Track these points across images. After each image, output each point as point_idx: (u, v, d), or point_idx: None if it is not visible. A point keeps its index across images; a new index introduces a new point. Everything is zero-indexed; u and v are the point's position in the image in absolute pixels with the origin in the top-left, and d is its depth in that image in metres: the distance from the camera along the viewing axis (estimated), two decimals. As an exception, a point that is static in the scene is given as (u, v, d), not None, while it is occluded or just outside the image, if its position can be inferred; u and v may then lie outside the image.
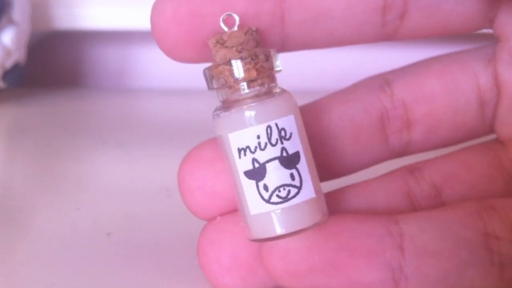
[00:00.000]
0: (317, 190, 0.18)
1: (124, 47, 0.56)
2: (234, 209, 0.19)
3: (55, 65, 0.55)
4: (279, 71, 0.18)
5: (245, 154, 0.17)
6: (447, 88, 0.21)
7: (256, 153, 0.17)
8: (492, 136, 0.22)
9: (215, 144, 0.19)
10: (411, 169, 0.21)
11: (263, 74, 0.17)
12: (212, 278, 0.19)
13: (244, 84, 0.17)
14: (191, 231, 0.21)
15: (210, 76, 0.18)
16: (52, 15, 0.49)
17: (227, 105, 0.18)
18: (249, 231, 0.18)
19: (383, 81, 0.21)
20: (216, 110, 0.18)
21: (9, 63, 0.43)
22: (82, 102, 0.50)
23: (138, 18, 0.49)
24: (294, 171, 0.17)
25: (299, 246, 0.18)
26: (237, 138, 0.17)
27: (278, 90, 0.18)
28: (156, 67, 0.55)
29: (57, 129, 0.41)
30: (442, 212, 0.19)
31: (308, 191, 0.17)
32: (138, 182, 0.31)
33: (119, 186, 0.31)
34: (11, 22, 0.43)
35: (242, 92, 0.18)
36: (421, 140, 0.21)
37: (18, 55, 0.44)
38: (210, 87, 0.18)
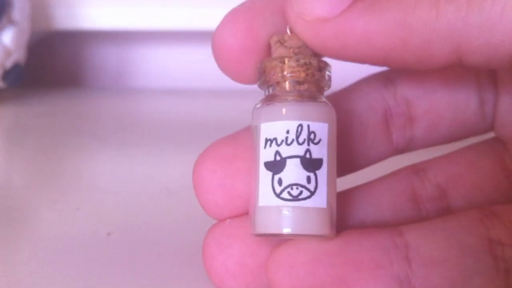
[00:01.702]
0: (329, 204, 0.18)
1: (124, 47, 0.56)
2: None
3: (55, 65, 0.55)
4: (328, 87, 0.19)
5: (270, 145, 0.18)
6: (448, 84, 0.21)
7: (281, 146, 0.17)
8: (493, 134, 0.22)
9: (235, 142, 0.19)
10: (416, 170, 0.21)
11: (311, 79, 0.18)
12: (216, 280, 0.19)
13: (291, 83, 0.18)
14: (191, 230, 0.21)
15: (262, 69, 0.18)
16: (52, 15, 0.49)
17: (269, 99, 0.18)
18: (253, 225, 0.18)
19: (385, 78, 0.21)
20: (257, 103, 0.19)
21: (9, 63, 0.43)
22: (82, 102, 0.50)
23: (138, 18, 0.49)
24: (312, 175, 0.17)
25: (305, 260, 0.18)
26: (267, 128, 0.18)
27: (322, 101, 0.18)
28: (156, 67, 0.55)
29: (57, 129, 0.41)
30: (445, 220, 0.19)
31: (320, 199, 0.17)
32: (138, 182, 0.31)
33: (119, 186, 0.31)
34: (11, 22, 0.43)
35: (287, 90, 0.18)
36: (424, 136, 0.21)
37: (18, 55, 0.44)
38: (259, 80, 0.18)
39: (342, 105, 0.20)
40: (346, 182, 0.21)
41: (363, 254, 0.18)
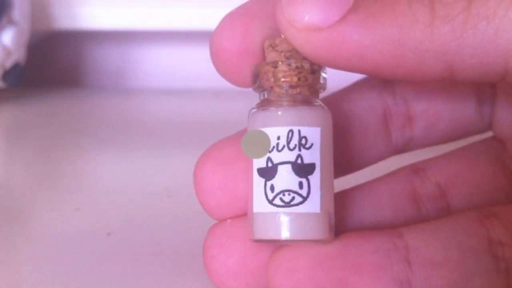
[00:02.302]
0: (324, 209, 0.17)
1: (124, 47, 0.56)
2: None
3: (55, 65, 0.55)
4: (323, 89, 0.18)
5: None
6: (446, 83, 0.21)
7: (273, 153, 0.17)
8: (491, 133, 0.22)
9: (236, 143, 0.19)
10: (415, 169, 0.21)
11: (304, 83, 0.18)
12: (216, 280, 0.19)
13: (284, 87, 0.18)
14: (191, 231, 0.21)
15: (256, 73, 0.18)
16: (52, 15, 0.49)
17: (263, 104, 0.18)
18: (251, 231, 0.18)
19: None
20: (253, 108, 0.18)
21: (9, 63, 0.43)
22: (82, 102, 0.50)
23: (138, 18, 0.49)
24: (304, 180, 0.17)
25: (304, 264, 0.18)
26: None
27: (317, 104, 0.18)
28: (156, 67, 0.55)
29: (57, 129, 0.41)
30: (444, 221, 0.19)
31: (313, 205, 0.17)
32: (138, 182, 0.31)
33: (119, 186, 0.31)
34: (11, 22, 0.43)
35: (280, 95, 0.18)
36: (422, 136, 0.21)
37: (18, 55, 0.44)
38: (253, 84, 0.18)
39: (341, 106, 0.20)
40: (346, 182, 0.21)
41: (363, 257, 0.18)
